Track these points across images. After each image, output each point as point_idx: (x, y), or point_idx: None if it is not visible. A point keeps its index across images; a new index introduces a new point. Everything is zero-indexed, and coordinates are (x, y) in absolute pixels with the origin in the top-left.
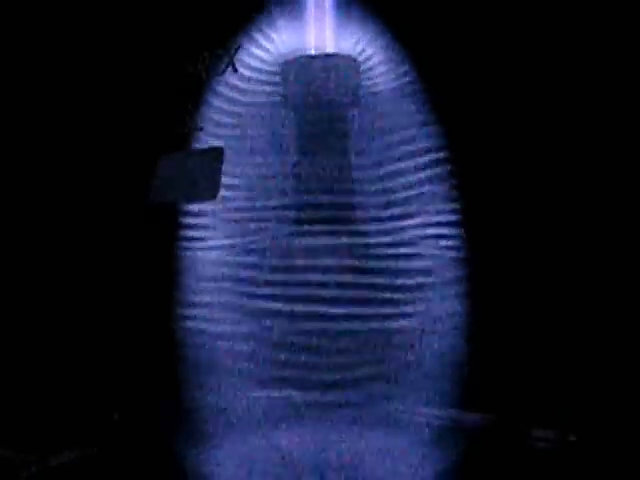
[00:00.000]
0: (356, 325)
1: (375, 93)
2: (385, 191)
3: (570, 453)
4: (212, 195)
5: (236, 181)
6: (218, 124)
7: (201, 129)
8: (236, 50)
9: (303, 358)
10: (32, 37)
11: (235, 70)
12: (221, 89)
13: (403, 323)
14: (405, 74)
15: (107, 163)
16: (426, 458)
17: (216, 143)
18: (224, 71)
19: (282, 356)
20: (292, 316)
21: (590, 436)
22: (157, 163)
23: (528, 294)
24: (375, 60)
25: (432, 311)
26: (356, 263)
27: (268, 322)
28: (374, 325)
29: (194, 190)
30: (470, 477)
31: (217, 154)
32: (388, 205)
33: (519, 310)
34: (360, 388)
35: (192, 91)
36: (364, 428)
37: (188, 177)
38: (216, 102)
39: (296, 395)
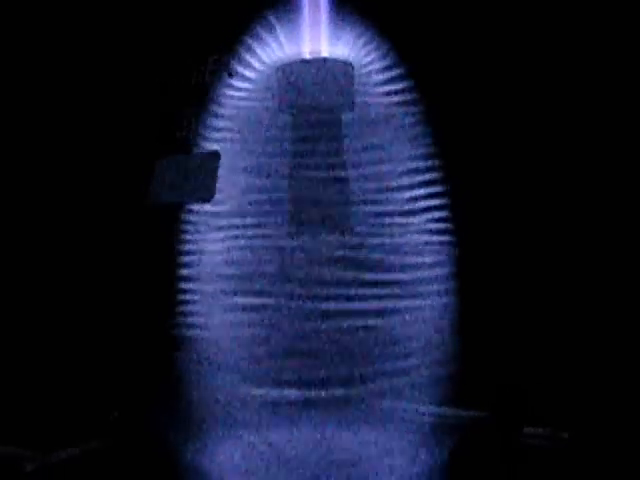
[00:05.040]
0: (350, 322)
1: (369, 97)
2: (377, 192)
3: (562, 451)
4: (208, 197)
5: (233, 184)
6: (216, 129)
7: (231, 75)
8: (231, 56)
9: (299, 356)
10: (32, 42)
11: (231, 75)
12: (219, 94)
13: (396, 320)
14: (400, 80)
15: (107, 165)
16: (419, 455)
17: (214, 147)
18: (224, 76)
19: (279, 354)
20: (289, 313)
21: (583, 434)
22: (155, 165)
23: (520, 294)
24: (370, 66)
25: (423, 308)
26: (350, 260)
27: (265, 320)
28: (368, 322)
29: (191, 192)
30: (462, 474)
31: (214, 158)
32: (380, 205)
33: (511, 308)
34: (354, 386)
35: (191, 95)
36: (358, 426)
37: (185, 180)
38: (214, 107)
39: (292, 393)
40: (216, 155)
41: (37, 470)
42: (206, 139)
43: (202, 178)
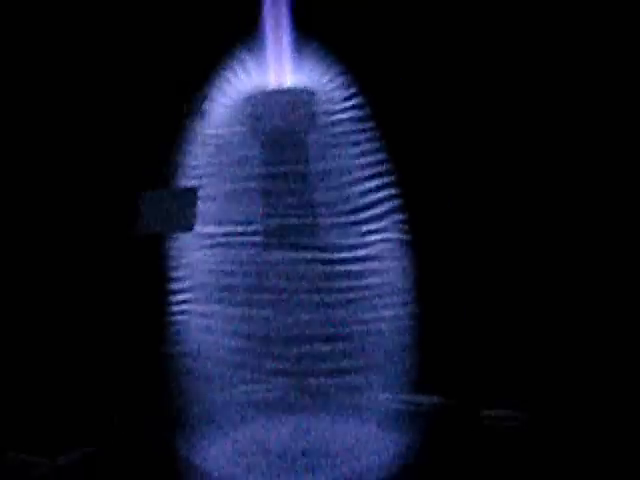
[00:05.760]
0: (323, 324)
1: (330, 120)
2: (340, 204)
3: (523, 431)
4: (189, 228)
5: (211, 207)
6: (193, 158)
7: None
8: (204, 99)
9: (277, 357)
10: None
11: (203, 117)
12: (195, 127)
13: (363, 316)
14: (356, 103)
15: (97, 196)
16: (388, 441)
17: (192, 180)
18: (196, 117)
19: (260, 357)
20: (266, 318)
21: (542, 413)
22: (141, 198)
23: (475, 278)
24: (330, 92)
25: (387, 303)
26: (319, 270)
27: (245, 328)
28: (338, 321)
29: (174, 224)
30: (429, 457)
31: (192, 193)
32: (345, 220)
33: (467, 293)
34: (328, 379)
35: (172, 132)
36: (332, 417)
37: (168, 212)
38: (190, 143)
39: (274, 388)
40: (194, 190)
41: (44, 476)
42: (185, 169)
43: (183, 211)
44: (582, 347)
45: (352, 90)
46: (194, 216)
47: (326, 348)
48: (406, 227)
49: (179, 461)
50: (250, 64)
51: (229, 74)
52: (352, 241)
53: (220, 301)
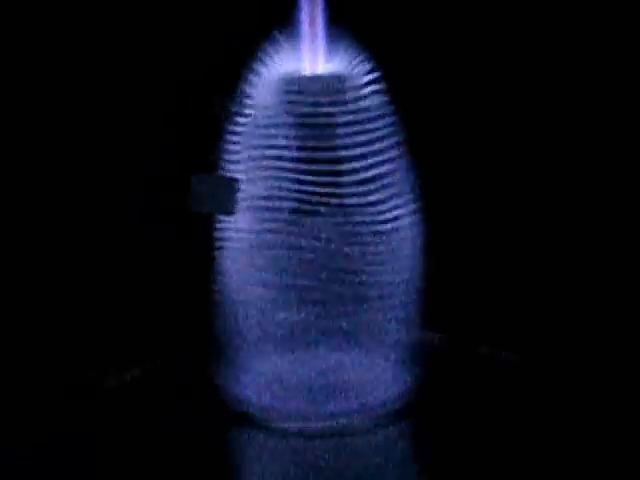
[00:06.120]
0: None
1: (358, 105)
2: (365, 180)
3: (511, 372)
4: (229, 212)
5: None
6: (233, 147)
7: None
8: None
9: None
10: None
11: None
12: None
13: (383, 266)
14: (383, 90)
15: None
16: (398, 376)
17: (233, 162)
18: (231, 109)
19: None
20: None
21: (532, 354)
22: (192, 180)
23: (477, 221)
24: (358, 78)
25: (403, 255)
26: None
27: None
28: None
29: (217, 207)
30: (435, 392)
31: (234, 182)
32: (367, 190)
33: (468, 232)
34: (347, 319)
35: (217, 121)
36: (351, 353)
37: (213, 196)
38: (229, 129)
39: (298, 325)
40: (236, 180)
41: (117, 388)
42: (227, 153)
43: (225, 197)
44: (580, 291)
45: (378, 77)
46: (235, 202)
47: (346, 291)
48: (419, 194)
49: (214, 389)
50: (285, 50)
51: (265, 59)
52: (374, 208)
53: (253, 253)
